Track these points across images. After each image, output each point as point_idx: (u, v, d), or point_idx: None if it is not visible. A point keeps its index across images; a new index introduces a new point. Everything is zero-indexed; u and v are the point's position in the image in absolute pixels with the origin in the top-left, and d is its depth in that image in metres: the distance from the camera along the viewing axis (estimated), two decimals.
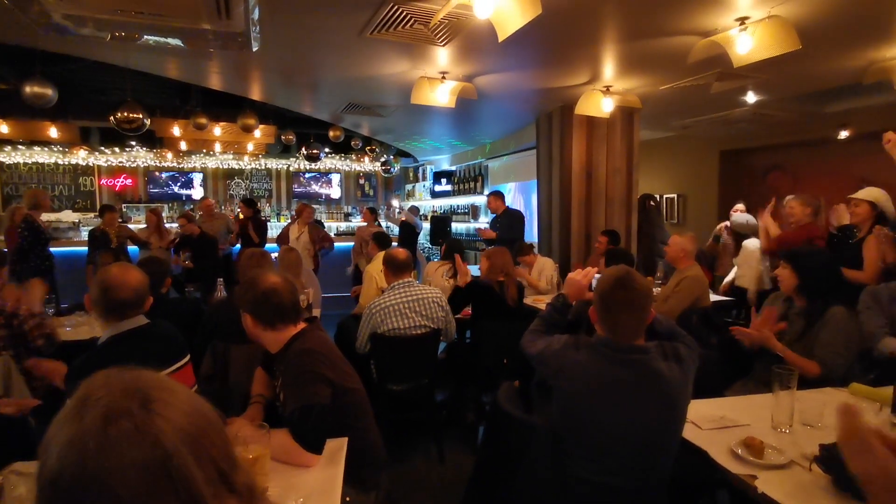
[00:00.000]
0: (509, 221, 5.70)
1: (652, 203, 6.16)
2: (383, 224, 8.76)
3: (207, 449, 0.64)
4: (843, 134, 6.00)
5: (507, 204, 6.02)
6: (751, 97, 5.05)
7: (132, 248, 5.85)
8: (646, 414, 1.53)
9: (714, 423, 1.79)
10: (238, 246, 6.41)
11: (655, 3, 2.95)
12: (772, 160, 7.24)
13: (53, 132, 6.94)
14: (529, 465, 1.78)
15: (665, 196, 8.20)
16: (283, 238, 6.29)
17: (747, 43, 3.04)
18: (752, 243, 4.54)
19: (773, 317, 2.31)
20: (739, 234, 4.53)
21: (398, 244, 6.36)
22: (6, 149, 8.45)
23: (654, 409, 1.54)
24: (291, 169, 10.61)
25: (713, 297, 4.06)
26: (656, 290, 3.97)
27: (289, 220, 8.36)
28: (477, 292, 3.60)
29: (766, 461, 1.52)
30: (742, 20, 3.03)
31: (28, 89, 4.26)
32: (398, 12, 2.95)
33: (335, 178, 10.90)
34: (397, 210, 9.14)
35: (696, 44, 3.33)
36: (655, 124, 6.69)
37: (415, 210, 8.27)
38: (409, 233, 7.68)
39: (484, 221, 8.50)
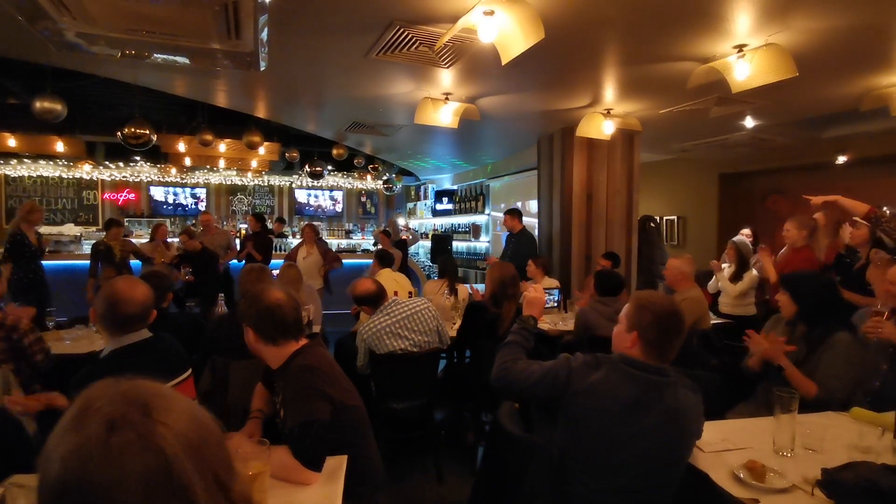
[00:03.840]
0: (518, 241, 5.55)
1: (652, 224, 6.20)
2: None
3: (207, 457, 0.65)
4: (842, 159, 6.06)
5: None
6: (749, 122, 5.12)
7: (134, 263, 5.86)
8: (656, 435, 1.53)
9: (715, 446, 1.78)
10: (242, 262, 6.39)
11: (655, 30, 3.02)
12: (771, 184, 7.30)
13: (60, 146, 7.02)
14: (530, 486, 1.77)
15: (665, 218, 8.25)
16: (291, 258, 6.31)
17: (745, 69, 3.10)
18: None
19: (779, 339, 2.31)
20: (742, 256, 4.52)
21: None
22: (11, 162, 8.53)
23: (665, 431, 1.53)
24: (294, 186, 10.69)
25: (713, 320, 4.06)
26: None
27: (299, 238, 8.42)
28: (470, 313, 3.57)
29: (768, 485, 1.51)
30: (740, 47, 3.09)
31: (38, 104, 4.33)
32: (404, 35, 3.02)
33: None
34: (401, 229, 9.18)
35: (695, 69, 3.39)
36: (655, 147, 6.77)
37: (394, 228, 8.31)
38: (400, 248, 7.71)
39: (485, 240, 8.54)
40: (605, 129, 4.63)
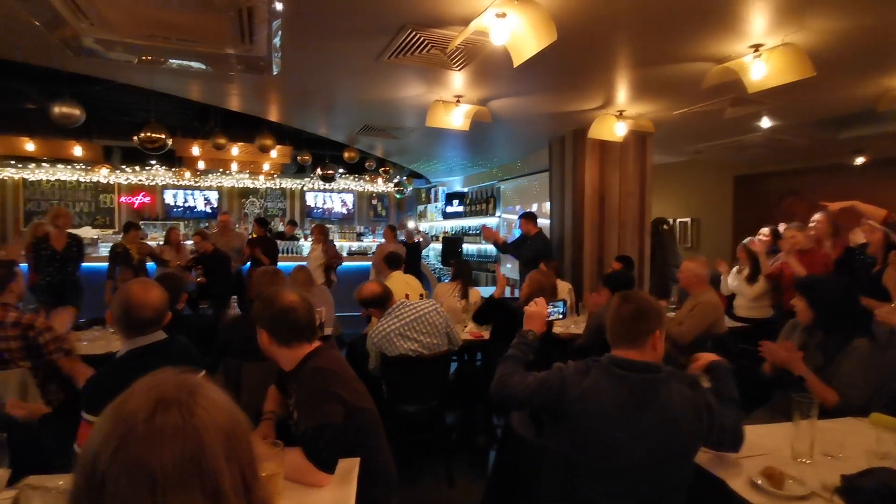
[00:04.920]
0: (540, 246, 5.40)
1: (665, 227, 6.13)
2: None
3: (237, 452, 0.67)
4: (859, 160, 5.97)
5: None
6: (765, 123, 5.05)
7: (150, 265, 5.94)
8: (655, 434, 1.51)
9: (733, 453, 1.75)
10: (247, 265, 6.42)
11: (670, 30, 3.00)
12: (787, 185, 7.21)
13: (78, 151, 7.14)
14: (541, 490, 1.75)
15: (678, 220, 8.17)
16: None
17: (761, 69, 3.06)
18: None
19: (792, 347, 2.28)
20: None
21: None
22: (30, 166, 8.69)
23: (663, 429, 1.52)
24: (305, 189, 10.76)
25: (729, 324, 4.00)
26: (670, 315, 3.93)
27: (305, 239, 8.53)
28: (501, 311, 3.54)
29: (787, 492, 1.48)
30: (756, 47, 3.06)
31: (57, 109, 4.42)
32: (416, 38, 3.03)
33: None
34: (413, 232, 9.20)
35: (710, 70, 3.36)
36: (668, 149, 6.71)
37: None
38: (412, 252, 7.72)
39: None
40: (617, 130, 4.60)
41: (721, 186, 7.63)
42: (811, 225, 4.13)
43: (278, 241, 7.45)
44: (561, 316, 2.94)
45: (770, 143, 5.92)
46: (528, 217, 5.57)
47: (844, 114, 4.78)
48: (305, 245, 8.93)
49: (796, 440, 1.73)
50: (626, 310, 1.64)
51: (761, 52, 3.05)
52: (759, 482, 1.52)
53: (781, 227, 4.39)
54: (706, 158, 7.29)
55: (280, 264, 6.47)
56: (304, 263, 5.29)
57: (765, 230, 4.71)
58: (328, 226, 8.67)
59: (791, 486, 1.51)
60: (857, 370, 2.16)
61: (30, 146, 7.08)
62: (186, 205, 10.09)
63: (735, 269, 4.60)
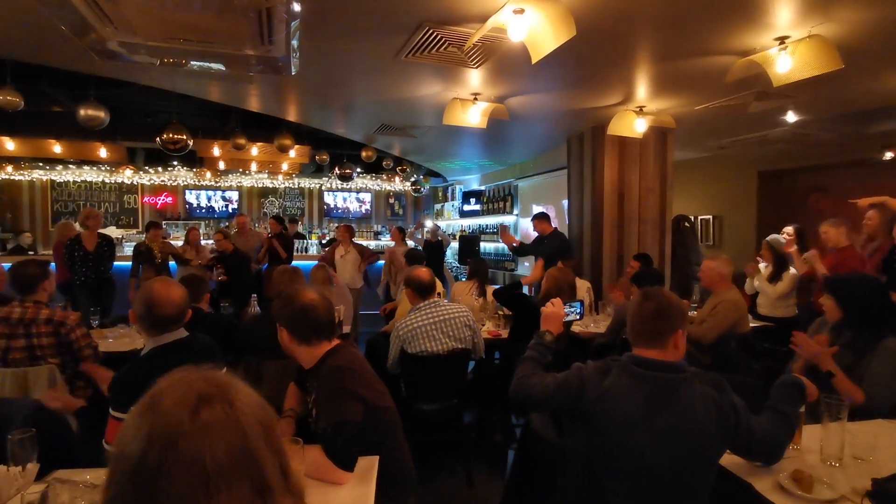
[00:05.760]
0: (558, 244, 5.32)
1: (686, 224, 6.04)
2: (409, 244, 8.81)
3: (274, 442, 0.69)
4: (888, 155, 5.79)
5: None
6: (790, 117, 4.93)
7: (172, 264, 6.04)
8: (672, 436, 1.49)
9: None
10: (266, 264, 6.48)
11: (692, 24, 2.94)
12: (813, 181, 7.03)
13: (103, 152, 7.31)
14: (562, 490, 1.74)
15: (700, 217, 8.03)
16: (326, 258, 6.43)
17: (787, 62, 2.99)
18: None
19: (825, 342, 2.22)
20: (779, 255, 4.36)
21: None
22: (57, 167, 8.92)
23: (683, 429, 1.49)
24: (324, 188, 10.86)
25: (752, 323, 3.92)
26: (692, 314, 3.86)
27: (322, 238, 8.55)
28: (523, 306, 3.51)
29: (816, 496, 1.45)
30: (782, 39, 2.98)
31: (83, 112, 4.52)
32: (433, 36, 3.02)
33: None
34: (426, 229, 9.20)
35: (734, 63, 3.29)
36: (690, 144, 6.60)
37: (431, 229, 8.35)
38: (435, 251, 7.71)
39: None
40: (637, 127, 4.54)
41: (745, 182, 7.47)
42: (865, 223, 4.00)
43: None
44: (578, 317, 2.91)
45: (796, 138, 5.78)
46: (541, 217, 5.52)
47: (873, 107, 4.64)
48: (312, 243, 9.02)
49: (826, 442, 1.69)
50: (648, 308, 1.61)
51: (787, 45, 2.97)
52: (788, 485, 1.49)
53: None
54: (729, 154, 7.14)
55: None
56: (316, 262, 5.33)
57: (789, 228, 4.60)
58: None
59: (820, 490, 1.47)
60: (887, 371, 2.10)
61: (57, 148, 7.26)
62: (208, 205, 10.26)
63: (760, 267, 4.51)
